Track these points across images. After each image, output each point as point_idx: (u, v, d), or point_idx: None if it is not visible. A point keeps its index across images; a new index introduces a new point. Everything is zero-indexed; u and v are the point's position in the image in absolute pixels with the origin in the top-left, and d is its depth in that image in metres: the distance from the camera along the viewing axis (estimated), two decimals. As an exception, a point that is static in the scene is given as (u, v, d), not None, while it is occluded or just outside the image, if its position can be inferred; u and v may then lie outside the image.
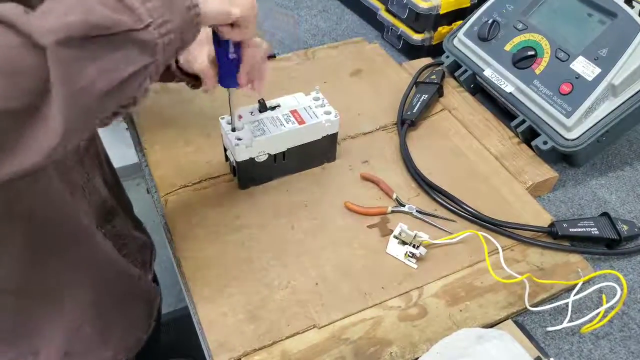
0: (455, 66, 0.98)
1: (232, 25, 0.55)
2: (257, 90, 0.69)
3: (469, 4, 1.06)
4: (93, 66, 0.40)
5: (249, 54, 0.61)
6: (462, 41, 0.96)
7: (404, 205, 0.77)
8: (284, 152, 0.77)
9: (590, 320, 0.66)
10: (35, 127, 0.39)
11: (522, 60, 0.86)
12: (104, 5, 0.40)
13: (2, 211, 0.51)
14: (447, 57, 0.99)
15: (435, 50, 1.07)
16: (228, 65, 0.62)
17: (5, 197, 0.51)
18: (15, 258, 0.55)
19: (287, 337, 0.62)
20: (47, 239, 0.56)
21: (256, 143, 0.72)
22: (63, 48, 0.38)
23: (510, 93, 0.88)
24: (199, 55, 0.68)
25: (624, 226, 0.75)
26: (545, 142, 0.83)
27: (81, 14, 0.39)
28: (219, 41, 0.59)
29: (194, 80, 0.72)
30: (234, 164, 0.75)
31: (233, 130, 0.73)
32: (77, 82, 0.39)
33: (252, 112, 0.75)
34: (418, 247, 0.69)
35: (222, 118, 0.74)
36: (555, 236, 0.74)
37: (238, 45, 0.60)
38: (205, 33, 0.66)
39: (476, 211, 0.76)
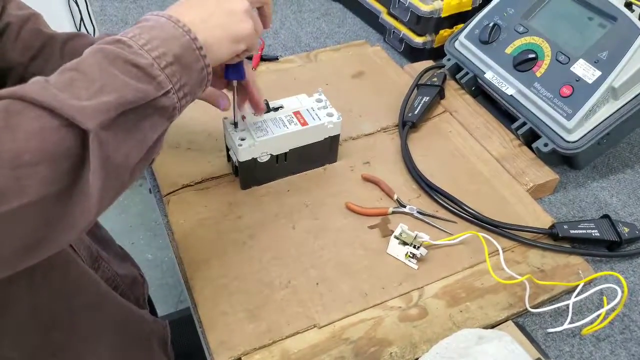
0: (456, 69, 0.98)
1: None
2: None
3: (470, 8, 1.06)
4: (128, 142, 0.41)
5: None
6: (463, 44, 0.96)
7: (404, 206, 0.77)
8: (286, 153, 0.77)
9: (591, 322, 0.66)
10: (73, 206, 0.38)
11: (523, 63, 0.87)
12: (128, 75, 0.41)
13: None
14: (449, 59, 0.99)
15: (437, 53, 1.07)
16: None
17: None
18: (22, 325, 0.52)
19: (288, 337, 0.63)
20: (51, 296, 0.53)
21: (259, 144, 0.73)
22: (104, 130, 0.38)
23: (511, 95, 0.88)
24: None
25: (625, 228, 0.75)
26: (546, 145, 0.83)
27: (114, 91, 0.39)
28: None
29: None
30: (236, 164, 0.75)
31: (235, 125, 0.73)
32: (115, 161, 0.40)
33: (254, 113, 0.76)
34: (419, 247, 0.70)
35: (225, 118, 0.74)
36: (556, 238, 0.74)
37: None
38: None
39: (477, 212, 0.76)
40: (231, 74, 0.64)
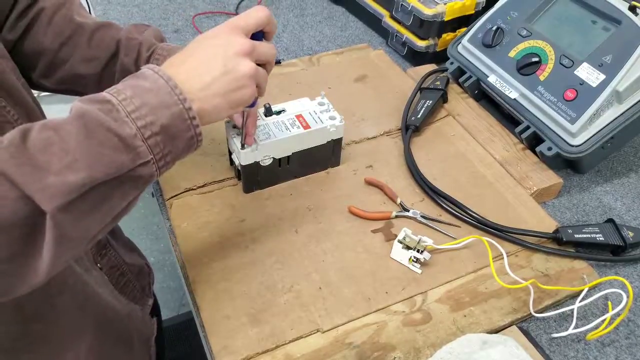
0: (459, 72, 0.98)
1: None
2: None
3: (473, 11, 1.06)
4: (90, 217, 0.40)
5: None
6: (466, 48, 0.96)
7: (408, 210, 0.77)
8: (288, 157, 0.77)
9: (596, 327, 0.65)
10: (22, 268, 0.38)
11: (527, 67, 0.87)
12: (106, 146, 0.39)
13: None
14: (452, 63, 0.99)
15: (440, 57, 1.07)
16: None
17: None
18: (5, 318, 0.52)
19: (291, 341, 0.62)
20: (37, 294, 0.52)
21: (261, 147, 0.72)
22: (63, 213, 0.37)
23: (514, 99, 0.88)
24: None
25: (630, 233, 0.74)
26: (549, 148, 0.83)
27: (85, 168, 0.38)
28: None
29: None
30: (239, 168, 0.75)
31: (242, 147, 0.71)
32: (72, 236, 0.39)
33: (257, 117, 0.76)
34: (422, 252, 0.69)
35: (228, 122, 0.74)
36: (560, 242, 0.74)
37: None
38: None
39: (480, 217, 0.76)
40: None
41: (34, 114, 0.52)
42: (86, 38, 0.63)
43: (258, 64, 0.52)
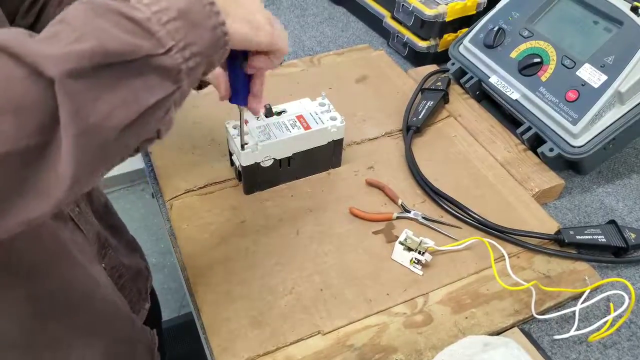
0: (460, 73, 0.98)
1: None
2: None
3: (474, 12, 1.06)
4: (108, 99, 0.36)
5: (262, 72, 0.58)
6: (467, 48, 0.96)
7: (409, 212, 0.77)
8: (289, 157, 0.76)
9: (598, 329, 0.65)
10: (42, 172, 0.34)
11: (528, 68, 0.86)
12: (119, 28, 0.36)
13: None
14: (453, 64, 0.99)
15: (441, 58, 1.07)
16: (239, 81, 0.58)
17: (1, 245, 0.45)
18: (18, 309, 0.51)
19: (291, 343, 0.62)
20: (48, 286, 0.52)
21: (262, 148, 0.72)
22: (73, 80, 0.33)
23: (516, 100, 0.87)
24: None
25: (632, 234, 0.74)
26: (551, 149, 0.83)
27: (94, 39, 0.34)
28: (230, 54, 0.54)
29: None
30: (239, 169, 0.75)
31: (242, 147, 0.71)
32: (89, 118, 0.35)
33: (257, 117, 0.76)
34: (424, 253, 0.69)
35: (228, 123, 0.74)
36: (562, 243, 0.74)
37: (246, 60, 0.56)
38: None
39: (482, 218, 0.76)
40: (237, 98, 0.59)
41: None
42: None
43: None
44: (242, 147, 0.71)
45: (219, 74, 0.63)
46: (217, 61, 0.44)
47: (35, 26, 0.60)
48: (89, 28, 0.35)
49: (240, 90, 0.58)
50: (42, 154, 0.34)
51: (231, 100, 0.59)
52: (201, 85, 0.70)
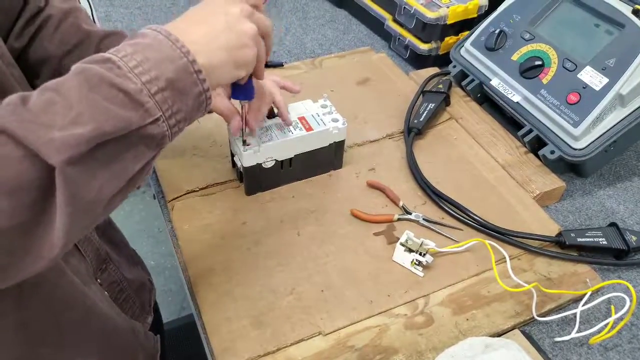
0: (462, 76, 0.98)
1: None
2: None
3: (476, 15, 1.06)
4: (101, 176, 0.38)
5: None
6: (469, 51, 0.96)
7: (410, 213, 0.77)
8: (291, 159, 0.77)
9: (599, 331, 0.65)
10: (37, 241, 0.36)
11: (529, 70, 0.86)
12: (113, 102, 0.37)
13: None
14: (454, 66, 0.99)
15: (442, 60, 1.07)
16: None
17: None
18: (8, 338, 0.50)
19: (292, 344, 0.62)
20: (40, 313, 0.52)
21: (263, 149, 0.72)
22: (72, 167, 0.35)
23: (517, 102, 0.88)
24: (220, 98, 0.67)
25: (633, 237, 0.74)
26: (552, 152, 0.83)
27: (91, 121, 0.36)
28: None
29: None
30: (241, 170, 0.75)
31: (244, 143, 0.71)
32: (85, 197, 0.37)
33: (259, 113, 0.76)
34: (424, 255, 0.69)
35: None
36: (563, 246, 0.74)
37: None
38: None
39: (483, 220, 0.76)
40: (239, 94, 0.60)
41: None
42: (94, 46, 0.62)
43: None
44: (244, 142, 0.71)
45: (227, 107, 0.66)
46: (198, 117, 0.46)
47: (28, 49, 0.60)
48: (84, 106, 0.36)
49: (243, 85, 0.58)
50: (36, 226, 0.36)
51: (233, 97, 0.60)
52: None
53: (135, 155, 0.40)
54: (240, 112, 0.67)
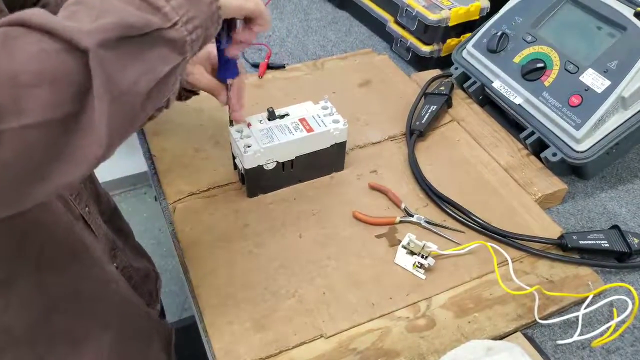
0: (464, 78, 0.98)
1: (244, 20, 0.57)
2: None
3: (477, 17, 1.06)
4: (133, 67, 0.40)
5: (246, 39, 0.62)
6: (471, 53, 0.96)
7: (412, 216, 0.76)
8: (292, 160, 0.77)
9: (601, 334, 0.65)
10: (81, 137, 0.37)
11: (531, 72, 0.86)
12: (131, 5, 0.40)
13: (11, 249, 0.49)
14: (456, 68, 0.99)
15: (444, 62, 1.07)
16: (224, 56, 0.64)
17: (14, 233, 0.48)
18: (26, 301, 0.51)
19: (294, 347, 0.62)
20: (58, 278, 0.53)
21: (264, 151, 0.72)
22: (105, 50, 0.37)
23: (519, 105, 0.88)
24: (201, 74, 0.69)
25: (635, 239, 0.74)
26: (554, 154, 0.83)
27: (113, 15, 0.38)
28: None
29: (189, 93, 0.74)
30: (242, 172, 0.75)
31: (231, 122, 0.73)
32: (120, 85, 0.39)
33: (260, 120, 0.76)
34: (426, 257, 0.69)
35: (232, 125, 0.74)
36: (565, 248, 0.74)
37: (230, 36, 0.61)
38: (204, 51, 0.68)
39: (485, 222, 0.76)
40: (226, 72, 0.65)
41: None
42: None
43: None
44: (231, 122, 0.73)
45: (213, 84, 0.69)
46: (213, 34, 0.49)
47: None
48: (106, 6, 0.39)
49: (227, 63, 0.65)
50: (78, 120, 0.37)
51: (219, 76, 0.66)
52: (188, 95, 0.74)
53: (160, 56, 0.42)
54: (227, 92, 0.70)
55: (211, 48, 0.67)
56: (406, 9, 1.07)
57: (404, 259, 0.70)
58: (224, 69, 0.66)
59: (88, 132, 0.37)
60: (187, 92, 0.73)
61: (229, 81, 0.68)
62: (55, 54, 0.35)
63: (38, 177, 0.37)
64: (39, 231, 0.50)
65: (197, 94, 0.74)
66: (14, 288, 0.50)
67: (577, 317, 0.66)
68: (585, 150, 0.81)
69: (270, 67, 1.05)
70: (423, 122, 0.90)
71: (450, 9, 1.02)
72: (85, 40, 0.36)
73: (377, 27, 1.19)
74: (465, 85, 0.97)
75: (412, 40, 1.08)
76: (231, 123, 0.73)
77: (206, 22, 0.46)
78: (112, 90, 0.38)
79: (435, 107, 0.92)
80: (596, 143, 0.80)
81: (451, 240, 0.74)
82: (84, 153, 0.38)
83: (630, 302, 0.65)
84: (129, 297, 0.64)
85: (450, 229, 0.76)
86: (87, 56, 0.36)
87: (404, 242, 0.70)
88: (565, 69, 0.84)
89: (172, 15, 0.42)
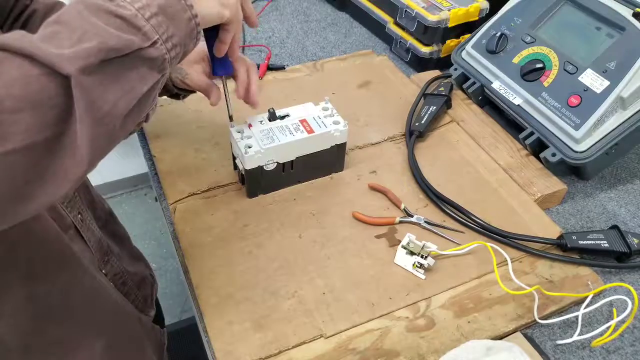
0: (463, 78, 0.98)
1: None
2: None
3: (477, 18, 1.06)
4: (114, 89, 0.40)
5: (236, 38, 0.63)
6: (470, 54, 0.96)
7: (412, 216, 0.77)
8: (292, 161, 0.77)
9: (601, 334, 0.65)
10: (63, 158, 0.38)
11: (531, 73, 0.87)
12: (111, 25, 0.40)
13: (0, 259, 0.48)
14: (456, 69, 0.99)
15: (444, 63, 1.07)
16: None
17: (2, 243, 0.48)
18: (16, 311, 0.51)
19: (294, 347, 0.62)
20: (48, 287, 0.53)
21: (265, 151, 0.73)
22: (86, 75, 0.37)
23: (518, 105, 0.88)
24: (195, 73, 0.71)
25: (634, 239, 0.74)
26: (553, 154, 0.83)
27: (95, 38, 0.39)
28: (207, 34, 0.62)
29: (186, 92, 0.75)
30: (243, 172, 0.75)
31: (230, 118, 0.74)
32: (101, 108, 0.39)
33: (261, 121, 0.76)
34: (426, 257, 0.69)
35: (232, 126, 0.74)
36: (565, 248, 0.74)
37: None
38: (197, 52, 0.70)
39: (485, 222, 0.76)
40: (219, 69, 0.67)
41: None
42: None
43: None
44: (230, 118, 0.74)
45: (206, 83, 0.70)
46: (191, 48, 0.49)
47: None
48: (87, 27, 0.39)
49: (220, 61, 0.66)
50: (60, 142, 0.37)
51: (213, 73, 0.68)
52: (185, 94, 0.75)
53: (140, 76, 0.43)
54: (223, 88, 0.71)
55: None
56: (406, 10, 1.07)
57: (403, 259, 0.70)
58: (217, 67, 0.68)
59: (70, 154, 0.38)
60: (185, 91, 0.74)
61: (225, 79, 0.70)
62: (37, 78, 0.35)
63: (21, 197, 0.37)
64: (28, 241, 0.50)
65: (195, 92, 0.74)
66: (5, 297, 0.50)
67: (576, 317, 0.66)
68: (585, 151, 0.81)
69: (270, 68, 1.05)
70: (422, 122, 0.90)
71: (449, 10, 1.03)
72: (66, 66, 0.36)
73: (376, 28, 1.20)
74: (464, 86, 0.98)
75: (411, 41, 1.09)
76: (230, 118, 0.74)
77: (185, 39, 0.47)
78: (93, 113, 0.38)
79: (434, 107, 0.92)
80: (595, 143, 0.81)
81: (451, 241, 0.74)
82: (66, 173, 0.39)
83: (629, 302, 0.65)
84: (120, 304, 0.64)
85: (450, 229, 0.76)
86: (69, 82, 0.36)
87: (404, 242, 0.71)
88: (565, 70, 0.84)
89: (151, 35, 0.42)
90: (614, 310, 0.68)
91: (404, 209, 0.78)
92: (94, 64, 0.38)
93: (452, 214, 0.78)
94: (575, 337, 0.64)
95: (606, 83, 0.79)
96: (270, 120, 0.76)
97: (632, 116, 0.80)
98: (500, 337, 0.65)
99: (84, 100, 0.37)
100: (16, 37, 0.36)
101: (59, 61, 0.36)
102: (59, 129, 0.37)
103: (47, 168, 0.38)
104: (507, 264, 0.67)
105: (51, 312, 0.54)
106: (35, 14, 0.63)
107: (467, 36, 1.03)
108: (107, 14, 0.40)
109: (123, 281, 0.67)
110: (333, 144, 0.78)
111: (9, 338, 0.52)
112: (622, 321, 0.65)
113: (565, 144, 0.82)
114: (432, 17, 1.02)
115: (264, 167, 0.75)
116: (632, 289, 0.67)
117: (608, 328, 0.65)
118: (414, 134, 0.89)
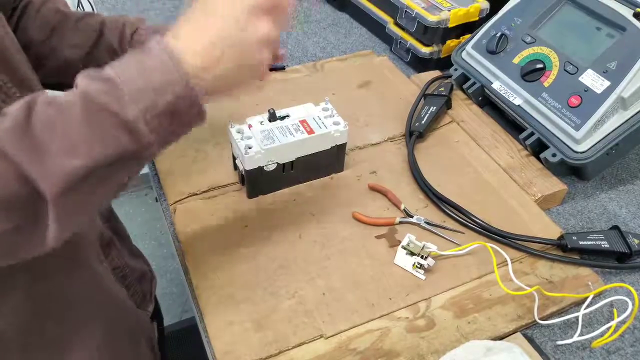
0: (463, 79, 0.98)
1: None
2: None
3: (477, 18, 1.06)
4: (93, 197, 0.40)
5: None
6: (470, 54, 0.96)
7: (412, 216, 0.77)
8: (292, 162, 0.77)
9: (601, 335, 0.65)
10: (34, 237, 0.39)
11: (531, 73, 0.87)
12: (107, 130, 0.38)
13: None
14: (456, 70, 0.99)
15: (444, 63, 1.07)
16: None
17: None
18: (17, 307, 0.52)
19: (294, 347, 0.62)
20: (49, 283, 0.54)
21: (265, 152, 0.73)
22: (65, 197, 0.37)
23: (518, 106, 0.88)
24: None
25: (635, 240, 0.74)
26: (554, 155, 0.83)
27: (85, 155, 0.37)
28: None
29: None
30: (243, 173, 0.75)
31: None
32: (76, 214, 0.40)
33: (261, 122, 0.76)
34: (426, 258, 0.69)
35: (232, 126, 0.74)
36: (565, 249, 0.74)
37: None
38: None
39: (485, 223, 0.76)
40: None
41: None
42: (72, 25, 0.65)
43: None
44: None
45: None
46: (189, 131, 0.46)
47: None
48: (81, 136, 0.37)
49: None
50: (28, 229, 0.38)
51: None
52: None
53: (126, 172, 0.42)
54: None
55: None
56: (406, 11, 1.07)
57: (403, 260, 0.70)
58: None
59: (37, 237, 0.39)
60: None
61: None
62: (13, 181, 0.35)
63: (4, 256, 0.40)
64: None
65: None
66: (6, 295, 0.50)
67: (577, 318, 0.66)
68: (585, 151, 0.81)
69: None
70: (423, 123, 0.90)
71: (449, 10, 1.03)
72: (45, 187, 0.36)
73: (376, 28, 1.20)
74: (464, 87, 0.97)
75: (411, 41, 1.09)
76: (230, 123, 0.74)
77: (184, 128, 0.43)
78: (66, 219, 0.39)
79: (434, 108, 0.92)
80: (596, 144, 0.81)
81: (451, 241, 0.74)
82: (37, 246, 0.40)
83: (630, 302, 0.65)
84: (120, 299, 0.64)
85: (450, 229, 0.76)
86: (46, 201, 0.36)
87: (404, 242, 0.70)
88: (565, 70, 0.84)
89: (149, 139, 0.40)
90: (615, 310, 0.68)
91: (404, 209, 0.78)
92: (76, 182, 0.37)
93: (452, 215, 0.78)
94: (576, 338, 0.64)
95: (607, 83, 0.79)
96: (270, 121, 0.76)
97: (632, 116, 0.80)
98: (500, 338, 0.65)
99: (58, 213, 0.37)
100: (7, 133, 0.36)
101: (41, 181, 0.36)
102: (29, 222, 0.38)
103: (18, 244, 0.39)
104: (507, 265, 0.67)
105: (50, 308, 0.55)
106: (31, 5, 0.64)
107: (467, 36, 1.03)
108: (110, 115, 0.38)
109: (124, 275, 0.68)
110: (333, 145, 0.78)
111: (8, 333, 0.52)
112: (623, 322, 0.65)
113: (565, 144, 0.82)
114: (432, 18, 1.02)
115: (264, 167, 0.75)
116: (632, 289, 0.67)
117: (608, 329, 0.65)
118: (414, 135, 0.89)
